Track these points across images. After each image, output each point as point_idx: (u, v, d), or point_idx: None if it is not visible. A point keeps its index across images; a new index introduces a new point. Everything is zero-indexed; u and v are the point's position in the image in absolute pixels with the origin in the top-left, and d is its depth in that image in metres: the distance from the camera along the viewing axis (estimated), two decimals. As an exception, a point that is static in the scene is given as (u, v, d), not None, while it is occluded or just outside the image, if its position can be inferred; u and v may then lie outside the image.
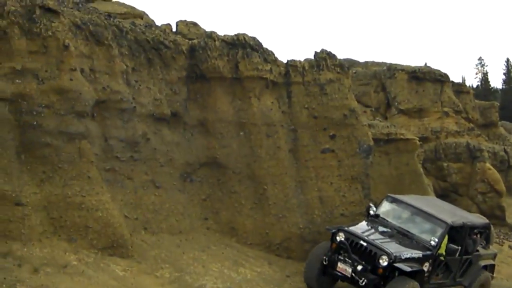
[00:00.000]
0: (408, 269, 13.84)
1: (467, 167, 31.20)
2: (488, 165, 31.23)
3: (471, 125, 33.99)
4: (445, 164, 31.08)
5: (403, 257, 13.98)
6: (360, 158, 18.23)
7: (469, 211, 30.73)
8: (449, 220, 15.19)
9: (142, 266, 13.72)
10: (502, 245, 28.29)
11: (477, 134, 33.54)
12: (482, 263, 16.43)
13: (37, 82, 13.39)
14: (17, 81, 13.16)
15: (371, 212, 15.75)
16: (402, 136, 21.42)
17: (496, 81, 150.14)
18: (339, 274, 14.35)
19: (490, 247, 17.22)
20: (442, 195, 29.91)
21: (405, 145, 21.33)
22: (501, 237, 29.57)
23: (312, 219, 17.37)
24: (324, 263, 14.54)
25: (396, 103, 31.96)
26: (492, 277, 16.87)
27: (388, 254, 13.83)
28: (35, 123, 13.25)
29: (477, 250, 16.22)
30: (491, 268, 16.87)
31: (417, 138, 23.11)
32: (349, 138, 18.19)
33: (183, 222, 15.88)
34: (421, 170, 23.41)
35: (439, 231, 14.96)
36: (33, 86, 13.31)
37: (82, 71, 14.18)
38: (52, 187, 13.36)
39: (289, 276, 15.58)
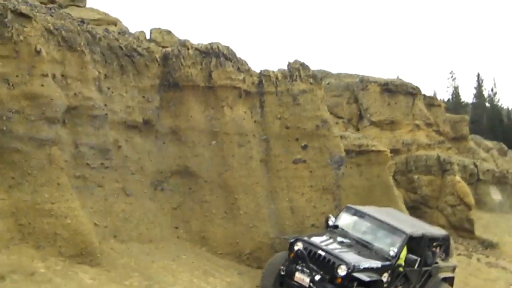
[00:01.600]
0: (367, 279, 13.65)
1: (437, 180, 31.52)
2: (457, 178, 31.54)
3: (442, 138, 34.37)
4: (415, 176, 31.35)
5: (361, 267, 13.77)
6: (332, 169, 18.28)
7: (438, 223, 31.08)
8: (408, 230, 15.06)
9: (111, 275, 13.58)
10: (470, 258, 28.53)
11: (447, 147, 33.91)
12: (442, 275, 16.26)
13: (8, 87, 13.22)
14: (-13, 85, 13.02)
15: (330, 223, 15.59)
16: (373, 148, 21.53)
17: (467, 95, 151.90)
18: (296, 284, 14.09)
19: (450, 259, 17.07)
20: (412, 207, 30.15)
21: (376, 157, 21.44)
22: (470, 249, 29.84)
23: (283, 229, 17.36)
24: (282, 273, 14.33)
25: (368, 115, 32.21)
26: None
27: (346, 264, 13.62)
28: (5, 128, 13.07)
29: (437, 262, 16.08)
30: (450, 280, 16.73)
31: (389, 150, 23.26)
32: (321, 149, 18.24)
33: (153, 231, 15.77)
34: (392, 182, 23.55)
35: (398, 241, 14.80)
36: (3, 90, 13.14)
37: (54, 77, 14.03)
38: (21, 193, 13.18)
39: (259, 287, 15.50)
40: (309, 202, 17.94)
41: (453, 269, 16.99)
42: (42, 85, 13.57)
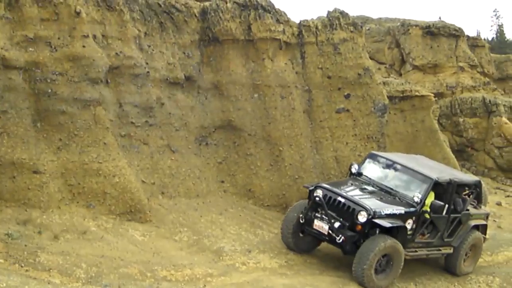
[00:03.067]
0: (388, 224, 13.12)
1: (483, 122, 31.17)
2: (504, 119, 31.13)
3: (487, 79, 33.82)
4: (461, 120, 31.04)
5: (383, 213, 13.24)
6: (375, 117, 18.18)
7: (486, 166, 30.86)
8: (434, 175, 14.38)
9: (161, 231, 13.84)
10: (518, 200, 28.34)
11: (492, 88, 33.40)
12: (473, 222, 15.46)
13: (50, 49, 13.40)
14: (30, 49, 13.18)
15: (353, 170, 15.05)
16: (417, 93, 21.27)
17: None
18: (315, 232, 13.69)
19: (482, 207, 16.33)
20: (458, 151, 29.96)
21: (420, 102, 21.20)
22: (518, 191, 29.62)
23: (328, 179, 17.28)
24: (301, 221, 14.01)
25: (410, 59, 31.84)
26: (485, 239, 16.01)
27: (366, 210, 13.09)
28: (49, 90, 13.30)
29: (467, 210, 15.34)
30: (483, 228, 15.96)
31: (432, 94, 22.98)
32: (364, 97, 18.12)
33: (200, 186, 15.94)
34: (437, 126, 23.32)
35: (423, 187, 14.15)
36: (46, 53, 13.34)
37: (94, 37, 14.16)
38: (69, 154, 13.45)
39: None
40: (353, 151, 17.90)
41: (486, 216, 16.21)
42: (84, 46, 13.70)
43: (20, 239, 11.55)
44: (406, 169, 14.73)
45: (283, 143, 17.02)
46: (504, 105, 32.11)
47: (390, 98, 19.45)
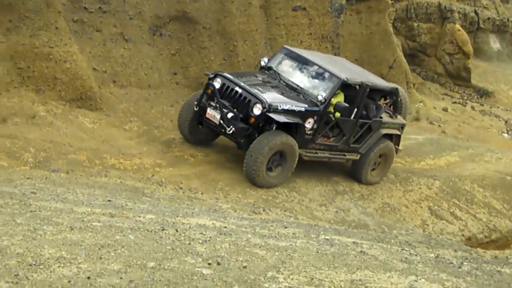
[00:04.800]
0: (283, 119, 12.38)
1: (437, 28, 31.37)
2: (457, 26, 31.36)
3: (444, -16, 33.76)
4: (415, 24, 31.18)
5: (280, 108, 12.43)
6: (331, 17, 18.11)
7: (436, 71, 31.28)
8: (343, 75, 13.47)
9: (111, 119, 13.83)
10: (465, 106, 28.98)
11: (449, -6, 33.41)
12: (384, 131, 14.57)
13: None
14: None
15: (262, 63, 14.22)
16: (374, -5, 21.22)
17: None
18: (207, 121, 12.97)
19: (399, 116, 15.47)
20: (411, 55, 30.21)
21: (376, 4, 21.16)
22: (465, 98, 30.23)
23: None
24: (195, 109, 13.18)
25: (370, -40, 31.48)
26: (397, 150, 15.21)
27: (262, 102, 12.30)
28: (-1, -31, 12.88)
29: (381, 117, 14.46)
30: (396, 138, 15.08)
31: (389, -3, 22.96)
32: (321, -4, 18.01)
33: (152, 76, 15.82)
34: (391, 29, 23.41)
35: (330, 86, 13.36)
36: None
37: None
38: (19, 37, 13.17)
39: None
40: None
41: (401, 126, 15.28)
42: None
43: (-33, 120, 11.49)
44: (316, 66, 13.92)
45: (238, 38, 16.85)
46: (459, 12, 32.30)
47: (347, -2, 19.37)
